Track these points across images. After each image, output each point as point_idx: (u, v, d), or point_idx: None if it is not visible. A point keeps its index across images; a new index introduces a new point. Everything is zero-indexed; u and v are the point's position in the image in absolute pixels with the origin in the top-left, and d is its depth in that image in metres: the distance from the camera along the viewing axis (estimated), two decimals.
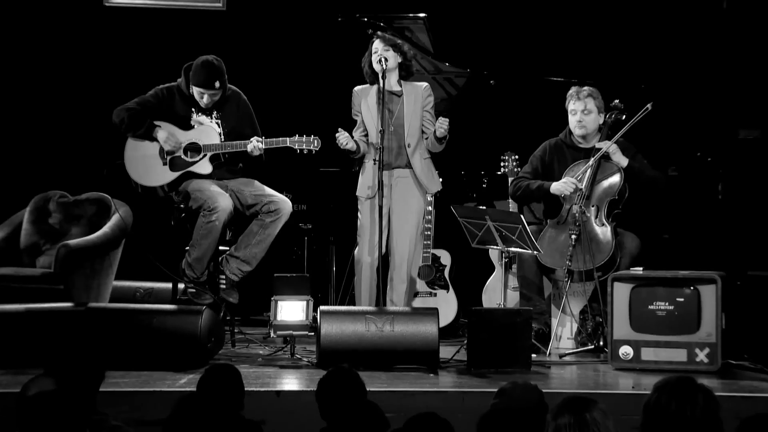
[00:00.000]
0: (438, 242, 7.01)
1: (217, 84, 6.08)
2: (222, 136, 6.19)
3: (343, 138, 6.07)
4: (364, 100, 6.18)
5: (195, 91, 6.13)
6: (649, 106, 6.13)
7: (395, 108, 6.13)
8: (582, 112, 6.30)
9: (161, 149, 6.15)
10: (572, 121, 6.36)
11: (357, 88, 6.26)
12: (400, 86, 6.20)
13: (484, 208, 6.68)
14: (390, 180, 6.12)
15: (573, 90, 6.36)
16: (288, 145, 6.13)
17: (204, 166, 6.16)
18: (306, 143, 6.13)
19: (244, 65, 6.67)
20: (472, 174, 7.30)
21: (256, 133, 6.23)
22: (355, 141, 6.14)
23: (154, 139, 6.13)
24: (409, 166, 6.15)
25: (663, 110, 6.58)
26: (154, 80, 6.33)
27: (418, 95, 6.18)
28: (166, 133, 6.11)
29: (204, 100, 6.13)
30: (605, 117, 6.34)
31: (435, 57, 7.37)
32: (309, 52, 7.96)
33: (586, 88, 6.34)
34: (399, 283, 6.13)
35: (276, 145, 6.14)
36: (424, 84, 6.28)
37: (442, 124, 6.00)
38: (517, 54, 7.96)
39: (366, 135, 6.19)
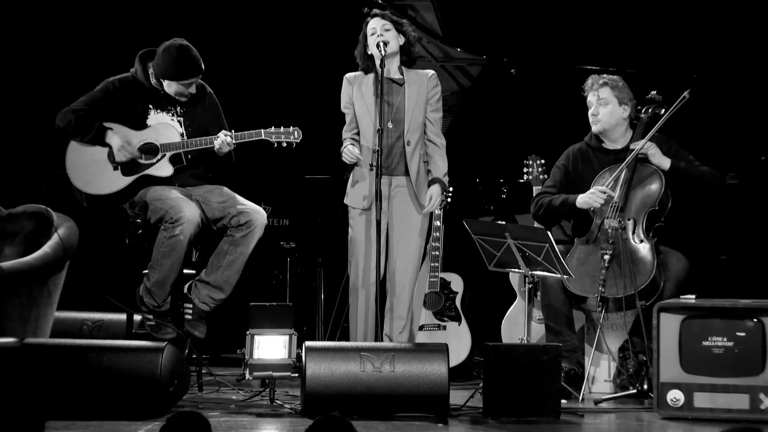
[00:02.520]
0: (448, 265, 7.01)
1: (203, 66, 6.13)
2: (184, 137, 6.20)
3: (352, 153, 6.09)
4: (358, 90, 6.19)
5: (173, 85, 6.14)
6: (686, 94, 6.14)
7: (395, 99, 6.13)
8: (597, 102, 6.33)
9: (110, 152, 6.15)
10: (590, 117, 6.40)
11: (348, 75, 6.27)
12: (402, 74, 6.20)
13: (504, 223, 6.68)
14: (389, 189, 6.13)
15: (589, 80, 6.40)
16: (263, 137, 6.14)
17: (163, 168, 6.17)
18: (285, 135, 6.14)
19: (209, 49, 6.67)
20: (489, 182, 7.31)
21: (224, 130, 6.24)
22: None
23: (106, 145, 6.14)
24: (405, 171, 6.16)
25: (720, 106, 6.58)
26: (104, 72, 6.33)
27: (422, 85, 6.19)
28: (120, 139, 6.11)
29: (192, 90, 6.17)
30: (641, 112, 6.36)
31: (444, 41, 7.38)
32: (290, 33, 7.98)
33: (604, 76, 6.37)
34: (398, 315, 6.14)
35: (248, 139, 6.14)
36: (431, 72, 6.29)
37: (435, 202, 6.16)
38: (542, 37, 7.97)
39: (358, 134, 6.20)
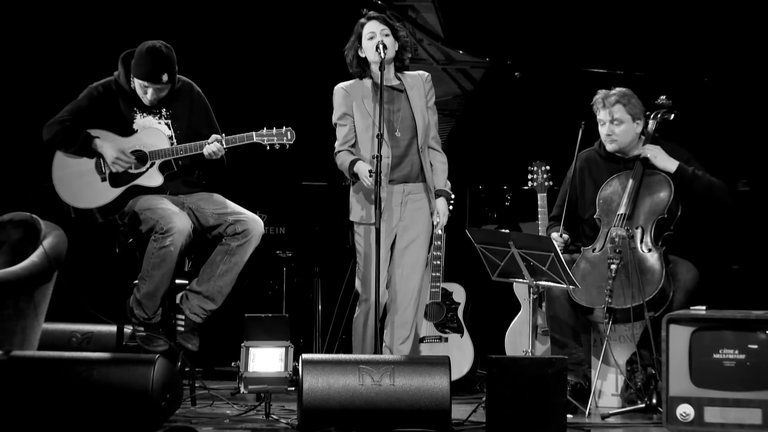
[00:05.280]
0: (450, 275, 7.01)
1: (165, 77, 6.10)
2: (173, 140, 6.21)
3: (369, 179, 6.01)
4: (357, 100, 6.14)
5: (137, 84, 6.15)
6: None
7: (399, 107, 6.10)
8: (611, 122, 6.34)
9: (98, 163, 6.16)
10: (602, 132, 6.41)
11: (343, 85, 6.22)
12: (399, 79, 6.21)
13: (508, 231, 6.69)
14: (402, 197, 6.12)
15: (599, 96, 6.39)
16: (255, 140, 6.14)
17: (153, 177, 6.18)
18: (277, 137, 6.14)
19: (198, 49, 6.69)
20: (492, 189, 7.31)
21: (215, 132, 6.24)
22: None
23: (94, 154, 6.15)
24: (422, 178, 6.16)
25: (732, 110, 6.57)
26: (89, 77, 6.34)
27: (420, 86, 6.20)
28: (113, 149, 6.12)
29: (148, 96, 6.15)
30: (650, 117, 6.37)
31: (446, 43, 7.39)
32: (286, 33, 7.99)
33: (614, 92, 6.36)
34: (401, 328, 6.14)
35: (240, 143, 6.14)
36: (425, 73, 6.29)
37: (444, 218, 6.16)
38: (547, 39, 7.98)
39: (354, 146, 6.19)
